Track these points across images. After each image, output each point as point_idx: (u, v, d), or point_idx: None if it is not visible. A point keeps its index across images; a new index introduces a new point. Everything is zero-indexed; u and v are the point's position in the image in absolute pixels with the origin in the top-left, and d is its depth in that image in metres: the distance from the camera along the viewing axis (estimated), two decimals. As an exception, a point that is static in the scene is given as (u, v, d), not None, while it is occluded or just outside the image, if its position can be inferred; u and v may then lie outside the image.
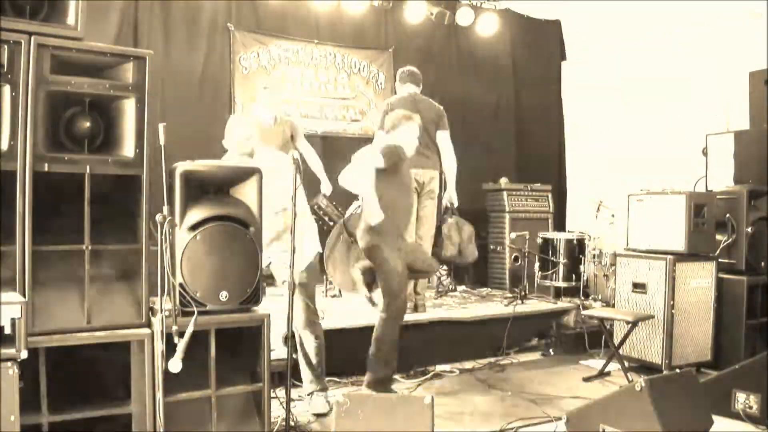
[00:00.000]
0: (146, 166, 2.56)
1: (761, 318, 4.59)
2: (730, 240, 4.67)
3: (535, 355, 5.06)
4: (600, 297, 5.78)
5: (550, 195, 6.93)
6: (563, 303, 5.54)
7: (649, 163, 6.18)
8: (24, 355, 2.10)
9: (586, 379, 4.36)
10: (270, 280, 5.25)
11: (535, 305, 5.41)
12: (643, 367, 4.46)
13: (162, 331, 2.37)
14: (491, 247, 6.48)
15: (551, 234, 6.16)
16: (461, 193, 7.12)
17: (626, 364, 4.31)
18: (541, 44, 7.90)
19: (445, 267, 5.98)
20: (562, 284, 5.83)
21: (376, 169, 3.63)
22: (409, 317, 4.77)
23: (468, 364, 4.68)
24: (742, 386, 3.46)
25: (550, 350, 5.12)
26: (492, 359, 4.79)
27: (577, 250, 5.89)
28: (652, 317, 4.36)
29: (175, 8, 5.95)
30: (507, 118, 7.75)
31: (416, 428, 2.69)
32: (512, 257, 6.42)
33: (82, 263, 2.44)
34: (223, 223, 2.72)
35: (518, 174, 7.61)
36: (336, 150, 6.80)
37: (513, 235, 6.26)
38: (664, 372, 4.11)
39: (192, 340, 2.43)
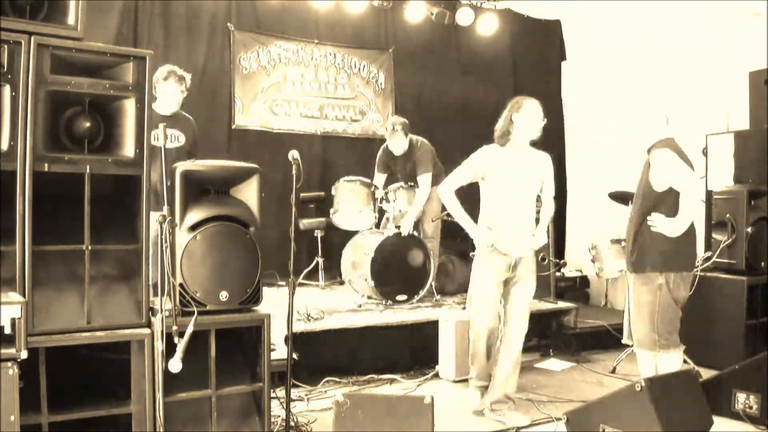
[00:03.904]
0: (146, 166, 2.56)
1: (761, 318, 4.59)
2: (730, 240, 4.67)
3: (535, 355, 5.06)
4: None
5: (550, 195, 6.93)
6: (563, 303, 5.53)
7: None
8: (24, 355, 2.10)
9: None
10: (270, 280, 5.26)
11: (535, 305, 5.39)
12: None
13: (162, 331, 2.37)
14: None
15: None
16: (463, 193, 7.16)
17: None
18: (541, 44, 7.88)
19: None
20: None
21: None
22: (409, 317, 4.78)
23: (468, 364, 4.67)
24: (742, 386, 3.46)
25: (550, 350, 5.11)
26: (492, 359, 4.78)
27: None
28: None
29: (175, 8, 5.95)
30: (507, 118, 7.74)
31: (416, 428, 2.69)
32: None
33: (82, 263, 2.44)
34: (223, 223, 2.72)
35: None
36: (336, 150, 6.81)
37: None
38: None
39: (192, 340, 2.43)
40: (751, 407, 3.42)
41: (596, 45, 7.15)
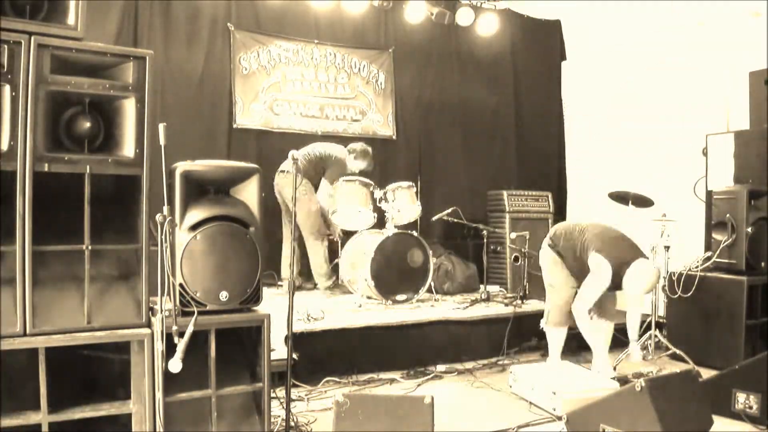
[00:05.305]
0: (146, 166, 2.56)
1: (761, 318, 4.59)
2: (730, 240, 4.67)
3: (535, 355, 5.06)
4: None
5: (550, 195, 6.95)
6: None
7: (649, 162, 6.18)
8: None
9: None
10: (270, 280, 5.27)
11: (535, 305, 5.40)
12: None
13: (162, 331, 2.37)
14: (491, 247, 6.48)
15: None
16: (463, 194, 7.18)
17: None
18: (541, 44, 7.89)
19: None
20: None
21: None
22: (409, 317, 4.78)
23: (468, 364, 4.68)
24: (742, 386, 3.47)
25: (551, 350, 5.11)
26: (492, 359, 4.79)
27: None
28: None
29: (175, 8, 5.95)
30: (507, 117, 7.75)
31: (416, 428, 2.69)
32: (512, 257, 6.43)
33: (82, 263, 2.44)
34: (223, 223, 2.72)
35: (519, 172, 7.63)
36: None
37: (513, 235, 6.26)
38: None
39: (192, 340, 2.43)
40: (751, 407, 3.42)
41: (596, 45, 7.15)
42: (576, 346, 5.07)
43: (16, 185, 2.32)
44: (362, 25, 6.95)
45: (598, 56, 7.13)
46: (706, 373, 3.85)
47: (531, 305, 5.38)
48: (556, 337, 4.34)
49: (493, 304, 5.40)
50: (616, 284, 4.03)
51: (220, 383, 2.69)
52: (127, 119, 2.54)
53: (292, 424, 3.22)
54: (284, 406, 2.98)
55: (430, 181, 7.16)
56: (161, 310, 2.38)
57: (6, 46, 2.29)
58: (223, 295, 2.69)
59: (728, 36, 5.55)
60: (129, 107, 2.53)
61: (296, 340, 3.83)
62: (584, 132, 7.48)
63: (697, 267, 4.85)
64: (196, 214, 2.67)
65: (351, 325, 4.44)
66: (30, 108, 2.33)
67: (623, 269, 3.98)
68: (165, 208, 2.46)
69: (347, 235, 5.75)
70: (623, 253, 4.03)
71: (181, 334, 2.41)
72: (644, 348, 4.84)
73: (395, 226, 5.34)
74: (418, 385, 4.25)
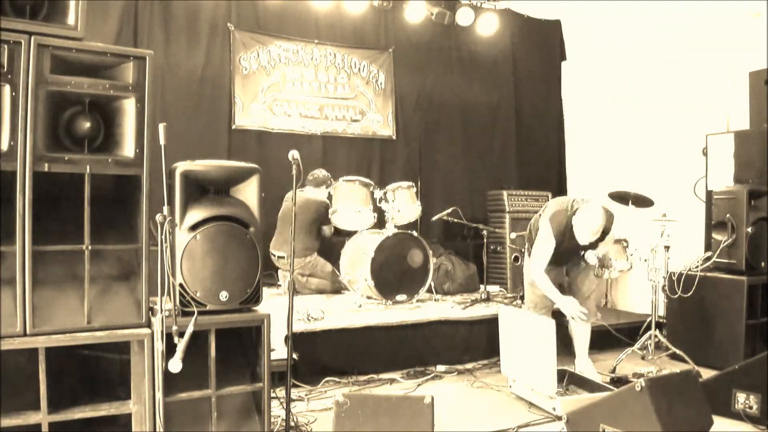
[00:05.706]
0: (146, 166, 2.56)
1: (761, 318, 4.59)
2: (730, 240, 4.67)
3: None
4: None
5: (550, 195, 6.95)
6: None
7: (649, 162, 6.18)
8: None
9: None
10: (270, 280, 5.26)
11: (535, 305, 5.40)
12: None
13: (162, 331, 2.37)
14: (491, 247, 6.48)
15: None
16: (463, 194, 7.18)
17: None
18: (541, 44, 7.89)
19: None
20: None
21: None
22: (409, 317, 4.78)
23: (468, 364, 4.68)
24: (742, 386, 3.47)
25: (550, 350, 5.11)
26: (492, 359, 4.79)
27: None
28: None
29: (175, 8, 5.95)
30: (507, 117, 7.75)
31: (416, 428, 2.69)
32: (512, 257, 6.43)
33: (82, 263, 2.44)
34: (223, 223, 2.72)
35: (518, 172, 7.63)
36: (336, 150, 6.82)
37: (513, 235, 6.26)
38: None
39: (192, 340, 2.43)
40: (751, 407, 3.42)
41: (596, 45, 7.15)
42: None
43: (16, 185, 2.32)
44: (362, 25, 6.95)
45: (598, 56, 7.13)
46: (706, 373, 3.85)
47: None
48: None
49: (493, 304, 5.40)
50: None
51: (220, 383, 2.69)
52: (127, 119, 2.54)
53: (292, 424, 3.22)
54: (284, 406, 2.98)
55: (430, 181, 7.16)
56: (161, 310, 2.38)
57: (6, 46, 2.29)
58: (223, 295, 2.69)
59: (728, 36, 5.55)
60: (129, 107, 2.54)
61: (296, 340, 3.83)
62: (584, 132, 7.48)
63: (697, 267, 4.85)
64: (196, 214, 2.67)
65: (351, 325, 4.44)
66: (30, 108, 2.33)
67: None
68: (165, 208, 2.46)
69: (348, 235, 5.75)
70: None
71: (181, 334, 2.41)
72: (644, 348, 4.84)
73: (395, 226, 5.34)
74: (418, 385, 4.25)
